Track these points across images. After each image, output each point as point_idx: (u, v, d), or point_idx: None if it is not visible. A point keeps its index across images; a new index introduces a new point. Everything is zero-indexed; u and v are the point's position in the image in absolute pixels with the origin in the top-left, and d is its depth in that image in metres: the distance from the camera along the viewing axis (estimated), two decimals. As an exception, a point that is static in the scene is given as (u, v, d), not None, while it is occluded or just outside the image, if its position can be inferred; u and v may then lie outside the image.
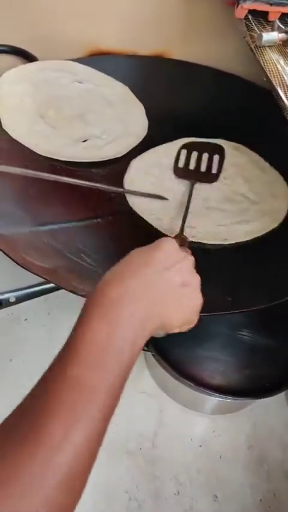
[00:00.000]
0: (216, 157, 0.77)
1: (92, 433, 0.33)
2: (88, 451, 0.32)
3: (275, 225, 0.69)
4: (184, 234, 0.62)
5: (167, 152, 0.79)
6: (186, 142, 0.80)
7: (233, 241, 0.66)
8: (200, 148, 0.78)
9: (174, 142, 0.80)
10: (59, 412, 0.32)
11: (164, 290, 0.41)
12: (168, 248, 0.44)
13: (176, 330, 0.43)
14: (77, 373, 0.34)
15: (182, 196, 0.71)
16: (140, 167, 0.76)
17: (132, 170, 0.75)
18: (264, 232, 0.68)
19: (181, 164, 0.76)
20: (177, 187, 0.73)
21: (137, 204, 0.70)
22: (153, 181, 0.74)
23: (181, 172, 0.75)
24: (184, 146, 0.79)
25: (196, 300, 0.44)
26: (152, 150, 0.79)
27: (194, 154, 0.77)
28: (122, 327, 0.37)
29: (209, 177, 0.74)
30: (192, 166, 0.76)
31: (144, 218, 0.69)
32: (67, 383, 0.33)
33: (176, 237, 0.58)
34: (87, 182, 0.66)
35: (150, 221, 0.68)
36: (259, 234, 0.68)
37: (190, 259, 0.46)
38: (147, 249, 0.44)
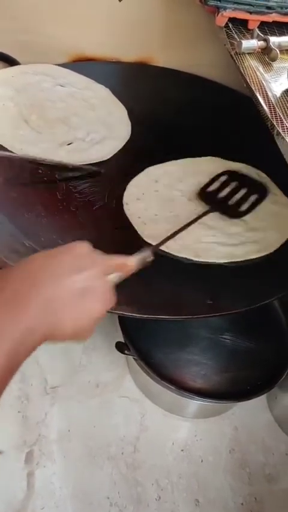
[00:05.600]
0: (253, 196, 0.72)
1: None
2: None
3: (258, 254, 0.66)
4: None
5: (187, 166, 0.77)
6: (228, 169, 0.75)
7: (204, 260, 0.64)
8: (242, 180, 0.73)
9: (197, 159, 0.79)
10: None
11: (58, 297, 0.38)
12: (77, 252, 0.42)
13: (67, 340, 0.39)
14: None
15: (184, 213, 0.68)
16: (152, 172, 0.75)
17: (143, 174, 0.75)
18: (243, 259, 0.65)
19: (211, 188, 0.72)
20: (183, 203, 0.70)
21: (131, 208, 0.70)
22: (158, 189, 0.73)
23: (206, 196, 0.71)
24: (225, 173, 0.74)
25: (97, 306, 0.40)
26: (170, 162, 0.77)
27: (232, 184, 0.72)
28: None
29: (234, 213, 0.69)
30: (222, 194, 0.71)
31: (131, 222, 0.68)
32: None
33: (154, 247, 0.56)
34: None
35: (135, 225, 0.68)
36: (237, 259, 0.65)
37: (101, 266, 0.42)
38: (53, 252, 0.41)
